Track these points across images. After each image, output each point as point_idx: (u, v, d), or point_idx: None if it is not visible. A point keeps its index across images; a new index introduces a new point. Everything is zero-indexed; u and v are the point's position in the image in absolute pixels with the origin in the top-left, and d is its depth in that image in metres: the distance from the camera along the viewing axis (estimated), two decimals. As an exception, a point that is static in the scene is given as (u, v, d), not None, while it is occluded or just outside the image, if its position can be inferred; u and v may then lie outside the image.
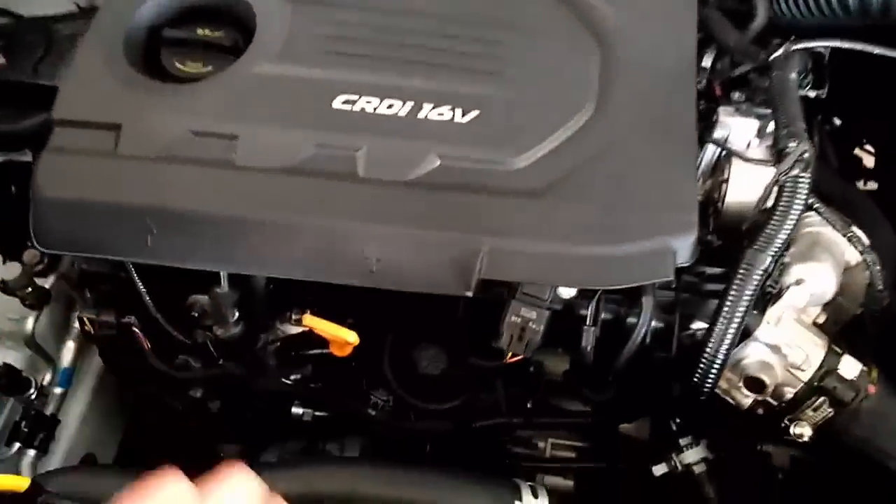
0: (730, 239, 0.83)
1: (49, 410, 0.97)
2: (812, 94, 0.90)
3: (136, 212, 0.74)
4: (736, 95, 0.85)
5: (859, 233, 0.77)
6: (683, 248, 0.71)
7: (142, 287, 0.78)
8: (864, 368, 0.72)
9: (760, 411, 0.77)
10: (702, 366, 0.70)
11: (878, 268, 0.76)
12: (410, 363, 0.86)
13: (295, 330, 0.86)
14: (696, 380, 0.71)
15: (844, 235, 0.76)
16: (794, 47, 0.83)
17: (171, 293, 0.80)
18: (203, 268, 0.74)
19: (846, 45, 0.84)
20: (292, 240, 0.73)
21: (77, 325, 1.01)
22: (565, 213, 0.72)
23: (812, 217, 0.78)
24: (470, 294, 0.71)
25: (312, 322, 0.74)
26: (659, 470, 0.90)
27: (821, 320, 0.79)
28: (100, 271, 0.82)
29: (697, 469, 0.88)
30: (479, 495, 0.69)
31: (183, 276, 0.76)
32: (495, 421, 0.89)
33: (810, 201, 0.74)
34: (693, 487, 0.89)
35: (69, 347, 1.01)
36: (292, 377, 0.90)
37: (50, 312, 1.00)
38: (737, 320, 0.69)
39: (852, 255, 0.78)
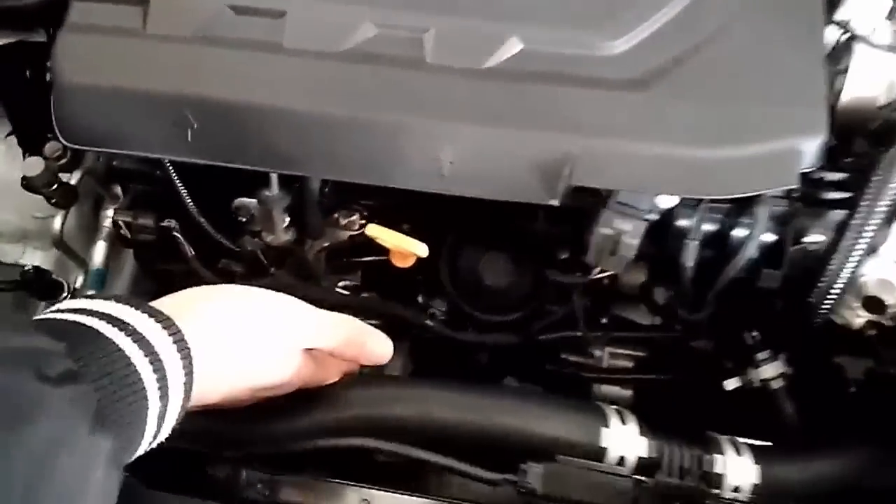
0: (846, 139, 0.72)
1: (83, 314, 0.91)
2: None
3: (172, 102, 0.64)
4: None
5: None
6: (809, 150, 0.61)
7: (182, 188, 0.69)
8: None
9: (873, 332, 0.69)
10: (821, 285, 0.62)
11: None
12: (474, 274, 0.79)
13: (348, 234, 0.78)
14: (811, 300, 0.63)
15: None
16: None
17: (215, 195, 0.71)
18: (250, 168, 0.65)
19: None
20: (351, 137, 0.64)
21: (108, 224, 0.94)
22: (671, 107, 0.62)
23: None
24: (556, 203, 0.62)
25: (377, 232, 0.66)
26: (731, 384, 0.84)
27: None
28: (135, 169, 0.73)
29: (775, 384, 0.82)
30: (564, 423, 0.63)
31: (228, 176, 0.67)
32: (563, 334, 0.81)
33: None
34: (769, 403, 0.83)
35: (100, 247, 0.94)
36: (343, 284, 0.83)
37: (78, 210, 0.92)
38: (868, 234, 0.60)
39: None
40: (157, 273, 0.87)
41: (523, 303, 0.81)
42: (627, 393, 0.95)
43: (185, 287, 0.78)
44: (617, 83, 0.62)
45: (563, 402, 0.65)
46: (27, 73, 0.89)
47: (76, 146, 0.67)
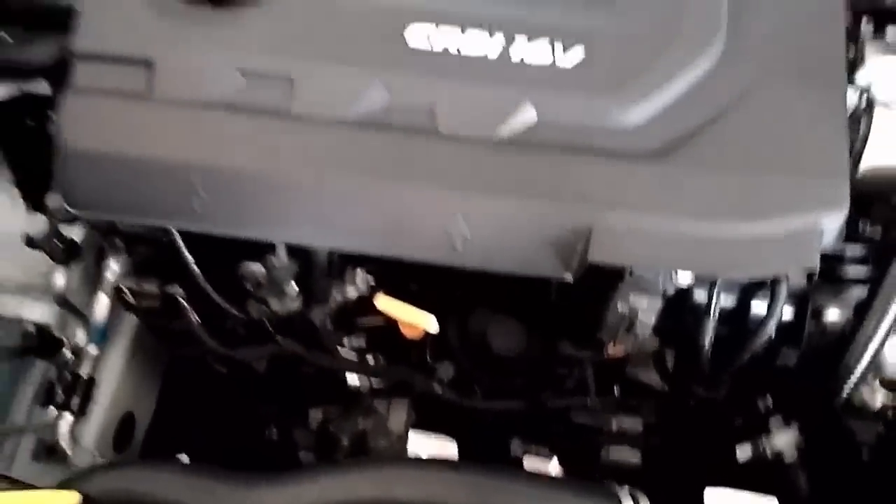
0: (865, 209, 0.71)
1: (84, 371, 0.89)
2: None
3: (178, 169, 0.63)
4: (890, 32, 0.70)
5: None
6: (831, 226, 0.59)
7: (188, 255, 0.68)
8: None
9: (891, 415, 0.67)
10: (843, 368, 0.60)
11: None
12: (483, 339, 0.77)
13: (356, 294, 0.76)
14: (830, 383, 0.61)
15: None
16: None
17: (221, 261, 0.69)
18: (258, 238, 0.64)
19: None
20: (360, 208, 0.62)
21: (110, 276, 0.92)
22: (689, 180, 0.60)
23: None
24: (570, 279, 0.60)
25: (387, 305, 0.64)
26: (743, 454, 0.81)
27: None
28: (140, 233, 0.71)
29: (789, 456, 0.79)
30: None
31: (235, 242, 0.66)
32: (572, 401, 0.79)
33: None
34: (781, 474, 0.81)
35: (102, 302, 0.92)
36: (349, 346, 0.81)
37: (80, 263, 0.90)
38: (891, 315, 0.58)
39: None
40: (164, 337, 0.85)
41: (531, 369, 0.79)
42: (636, 458, 0.92)
43: (188, 346, 0.75)
44: (633, 154, 0.61)
45: (569, 486, 0.62)
46: (29, 124, 0.88)
47: (80, 212, 0.66)
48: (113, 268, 0.87)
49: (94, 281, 0.93)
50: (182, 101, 0.64)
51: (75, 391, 0.87)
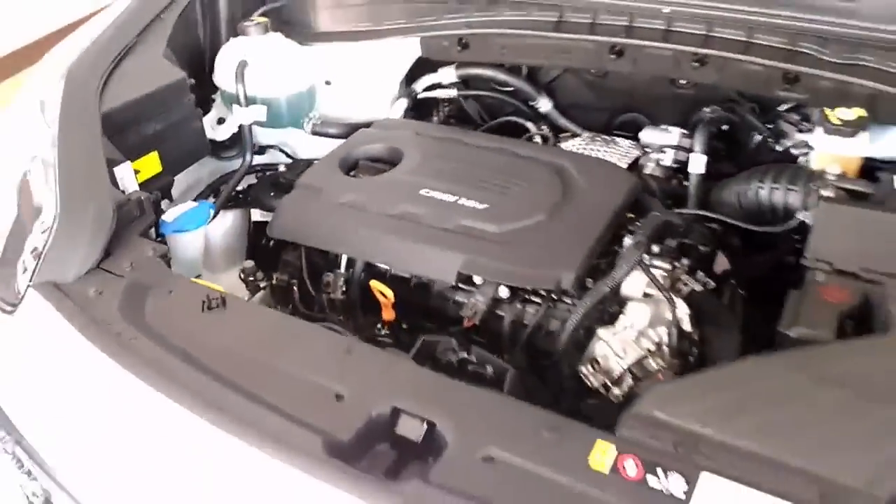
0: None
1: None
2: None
3: (314, 223, 1.55)
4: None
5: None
6: (566, 279, 1.35)
7: (305, 265, 1.58)
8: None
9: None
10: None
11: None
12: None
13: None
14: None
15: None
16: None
17: (316, 271, 1.58)
18: (344, 253, 1.54)
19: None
20: (392, 246, 1.49)
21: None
22: (513, 251, 1.40)
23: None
24: (452, 280, 1.39)
25: (375, 284, 1.47)
26: None
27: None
28: (288, 259, 1.64)
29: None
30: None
31: (325, 264, 1.55)
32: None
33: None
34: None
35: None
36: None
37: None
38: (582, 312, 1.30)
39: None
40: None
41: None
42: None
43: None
44: (496, 240, 1.43)
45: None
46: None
47: (276, 237, 1.59)
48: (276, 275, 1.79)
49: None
50: (331, 203, 1.59)
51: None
